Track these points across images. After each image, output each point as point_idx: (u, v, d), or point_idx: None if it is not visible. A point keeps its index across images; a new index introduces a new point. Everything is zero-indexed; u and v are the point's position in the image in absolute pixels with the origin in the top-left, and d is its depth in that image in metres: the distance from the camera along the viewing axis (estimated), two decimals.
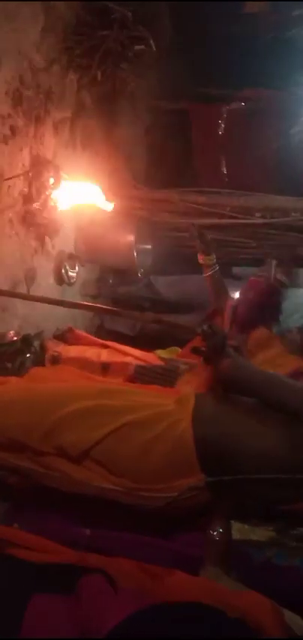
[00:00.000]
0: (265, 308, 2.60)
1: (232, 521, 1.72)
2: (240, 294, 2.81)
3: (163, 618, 1.29)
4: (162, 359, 2.62)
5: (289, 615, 1.45)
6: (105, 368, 2.51)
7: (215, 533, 1.67)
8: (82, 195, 3.00)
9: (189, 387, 1.99)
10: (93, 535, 1.78)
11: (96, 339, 2.96)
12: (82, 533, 1.77)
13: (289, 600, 1.51)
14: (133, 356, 2.66)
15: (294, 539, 1.76)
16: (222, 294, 2.70)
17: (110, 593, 1.39)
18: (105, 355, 2.68)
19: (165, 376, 2.36)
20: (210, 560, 1.62)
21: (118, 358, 2.63)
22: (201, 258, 2.66)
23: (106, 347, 2.78)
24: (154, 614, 1.30)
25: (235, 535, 1.73)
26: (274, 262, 2.86)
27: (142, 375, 2.40)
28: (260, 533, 1.76)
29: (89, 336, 3.01)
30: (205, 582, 1.72)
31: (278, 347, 2.36)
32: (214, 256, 2.66)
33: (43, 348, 2.83)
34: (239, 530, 1.74)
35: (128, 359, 2.62)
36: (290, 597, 1.57)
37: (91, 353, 2.68)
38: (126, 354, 2.68)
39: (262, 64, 4.09)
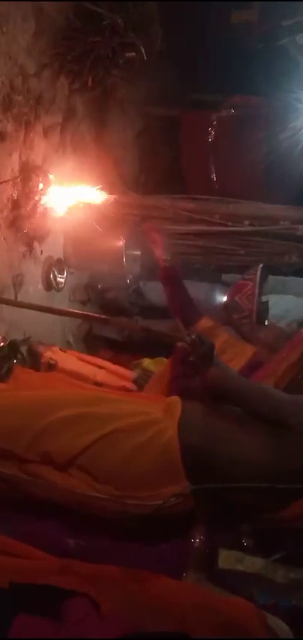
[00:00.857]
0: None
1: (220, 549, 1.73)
2: (227, 297, 2.83)
3: None
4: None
5: (271, 618, 1.50)
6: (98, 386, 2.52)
7: (197, 541, 1.68)
8: (71, 200, 3.01)
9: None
10: (79, 544, 1.79)
11: (93, 358, 2.95)
12: (68, 543, 1.78)
13: None
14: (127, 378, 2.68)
15: (282, 575, 1.77)
16: None
17: (95, 617, 1.40)
18: (100, 376, 2.70)
19: None
20: (192, 567, 1.63)
21: (114, 382, 2.65)
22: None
23: (101, 367, 2.79)
24: None
25: (222, 564, 1.74)
26: (260, 267, 2.89)
27: None
28: (247, 564, 1.76)
29: (85, 356, 3.01)
30: (192, 587, 1.73)
31: (224, 335, 2.37)
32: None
33: (31, 354, 2.82)
34: (226, 559, 1.75)
35: (123, 384, 2.63)
36: None
37: (87, 370, 2.70)
38: (121, 377, 2.70)
39: (252, 72, 4.12)
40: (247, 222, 3.61)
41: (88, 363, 2.83)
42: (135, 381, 2.45)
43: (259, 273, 2.94)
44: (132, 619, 1.44)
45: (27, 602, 1.44)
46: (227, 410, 1.76)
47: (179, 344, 1.86)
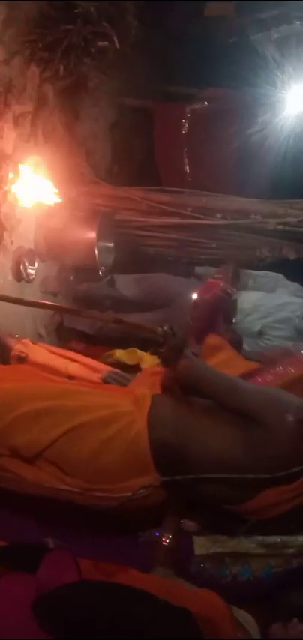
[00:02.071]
0: (218, 313, 2.64)
1: (195, 537, 1.75)
2: (197, 295, 2.84)
3: (108, 593, 1.32)
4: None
5: (238, 611, 1.56)
6: (70, 379, 2.48)
7: (164, 536, 1.69)
8: (42, 190, 2.96)
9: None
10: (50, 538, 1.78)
11: (65, 351, 2.91)
12: (40, 537, 1.78)
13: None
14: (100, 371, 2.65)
15: (256, 546, 1.80)
16: None
17: (70, 563, 1.41)
18: (72, 368, 2.66)
19: None
20: (160, 562, 1.65)
21: (86, 375, 2.62)
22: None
23: (74, 360, 2.75)
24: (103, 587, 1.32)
25: (198, 550, 1.76)
26: (231, 266, 2.91)
27: None
28: (222, 544, 1.79)
29: (56, 349, 2.96)
30: (160, 580, 1.74)
31: (229, 350, 2.40)
32: None
33: (0, 347, 2.78)
34: (201, 545, 1.77)
35: (95, 376, 2.60)
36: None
37: (58, 363, 2.65)
38: (94, 370, 2.67)
39: (226, 66, 4.13)
40: (219, 216, 3.62)
41: (60, 355, 2.79)
42: (104, 381, 2.42)
43: (230, 273, 2.97)
44: None
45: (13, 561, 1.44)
46: (197, 402, 1.77)
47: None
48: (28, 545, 1.59)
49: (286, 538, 1.80)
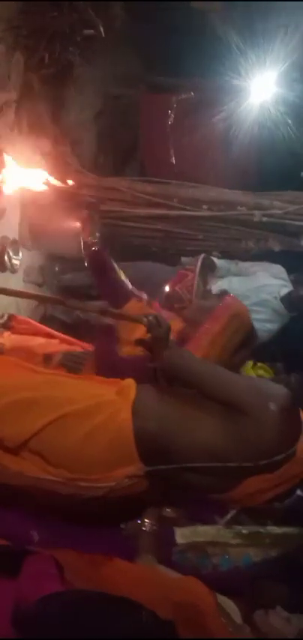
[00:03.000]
0: None
1: (176, 527, 1.77)
2: (169, 287, 2.85)
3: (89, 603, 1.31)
4: None
5: (220, 597, 1.58)
6: (48, 359, 2.45)
7: (146, 524, 1.70)
8: (27, 179, 2.93)
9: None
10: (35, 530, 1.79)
11: (42, 326, 2.88)
12: (25, 529, 1.78)
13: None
14: (81, 347, 2.62)
15: (235, 536, 1.82)
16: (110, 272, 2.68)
17: (51, 570, 1.41)
18: (50, 346, 2.63)
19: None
20: (143, 549, 1.66)
21: (64, 349, 2.58)
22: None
23: (52, 337, 2.72)
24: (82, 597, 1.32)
25: (179, 539, 1.77)
26: (201, 257, 2.94)
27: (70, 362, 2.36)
28: (202, 534, 1.80)
29: (34, 322, 2.93)
30: (144, 569, 1.75)
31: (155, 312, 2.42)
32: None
33: None
34: (183, 535, 1.79)
35: (74, 349, 2.57)
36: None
37: (35, 343, 2.62)
38: (73, 344, 2.64)
39: (212, 56, 4.12)
40: (205, 207, 3.63)
41: (39, 332, 2.75)
42: (62, 364, 2.39)
43: (199, 264, 2.99)
44: None
45: None
46: (181, 392, 1.77)
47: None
48: (9, 547, 1.57)
49: (269, 528, 1.82)
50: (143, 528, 1.75)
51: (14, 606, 1.29)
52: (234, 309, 2.26)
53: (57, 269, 3.59)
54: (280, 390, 1.72)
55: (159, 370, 1.85)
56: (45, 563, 1.46)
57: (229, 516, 1.92)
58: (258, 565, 1.86)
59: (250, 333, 2.27)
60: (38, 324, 2.85)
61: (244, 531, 1.90)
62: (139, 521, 1.76)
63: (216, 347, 2.12)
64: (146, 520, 1.76)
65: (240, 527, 1.88)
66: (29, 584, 1.38)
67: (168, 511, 1.83)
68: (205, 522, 1.88)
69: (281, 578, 1.85)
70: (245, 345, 2.24)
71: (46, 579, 1.38)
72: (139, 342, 1.94)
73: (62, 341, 2.65)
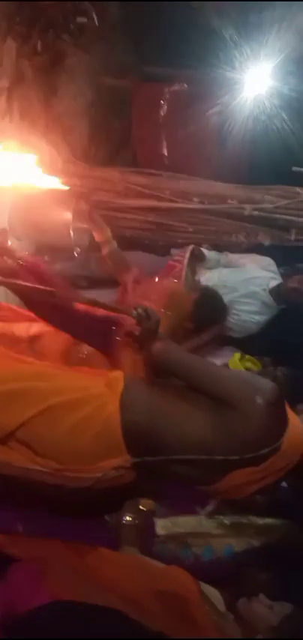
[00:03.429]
0: None
1: (156, 519, 1.79)
2: (158, 278, 2.86)
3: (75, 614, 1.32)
4: None
5: (205, 586, 1.63)
6: (33, 341, 2.44)
7: (126, 518, 1.73)
8: (18, 168, 2.91)
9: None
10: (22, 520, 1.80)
11: (24, 311, 2.85)
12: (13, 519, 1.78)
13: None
14: None
15: (217, 526, 1.85)
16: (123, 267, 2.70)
17: (37, 580, 1.42)
18: (35, 328, 2.60)
19: None
20: (126, 542, 1.68)
21: (49, 329, 2.55)
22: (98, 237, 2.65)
23: (34, 320, 2.69)
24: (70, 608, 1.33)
25: (160, 530, 1.79)
26: (189, 249, 2.95)
27: None
28: (183, 524, 1.83)
29: (15, 308, 2.89)
30: (130, 558, 1.78)
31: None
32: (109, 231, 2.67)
33: None
34: (163, 526, 1.81)
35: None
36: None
37: (18, 328, 2.59)
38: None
39: (206, 47, 4.10)
40: (196, 200, 3.63)
41: (22, 317, 2.73)
42: None
43: (188, 255, 3.00)
44: (74, 592, 1.47)
45: None
46: (169, 385, 1.79)
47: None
48: None
49: (251, 519, 1.85)
50: (124, 522, 1.78)
51: (2, 617, 1.30)
52: (169, 289, 2.27)
53: (46, 259, 3.57)
54: (267, 384, 1.73)
55: (148, 362, 1.87)
56: (30, 571, 1.47)
57: (210, 507, 1.95)
58: (240, 555, 1.89)
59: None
60: (20, 310, 2.82)
61: (226, 522, 1.93)
62: (120, 515, 1.78)
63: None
64: (126, 514, 1.79)
65: (222, 517, 1.90)
66: (17, 595, 1.39)
67: (146, 503, 1.85)
68: (186, 513, 1.91)
69: (264, 567, 1.89)
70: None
71: (34, 589, 1.39)
72: (128, 334, 1.95)
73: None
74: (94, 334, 2.16)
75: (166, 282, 2.33)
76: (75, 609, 1.32)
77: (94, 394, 1.72)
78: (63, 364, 2.24)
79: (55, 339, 2.45)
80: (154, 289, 2.28)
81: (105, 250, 2.72)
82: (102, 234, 2.71)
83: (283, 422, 1.66)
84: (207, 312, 2.33)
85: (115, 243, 2.71)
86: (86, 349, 2.31)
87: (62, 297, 2.18)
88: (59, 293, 2.29)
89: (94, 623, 1.29)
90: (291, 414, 1.69)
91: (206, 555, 1.86)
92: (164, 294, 2.26)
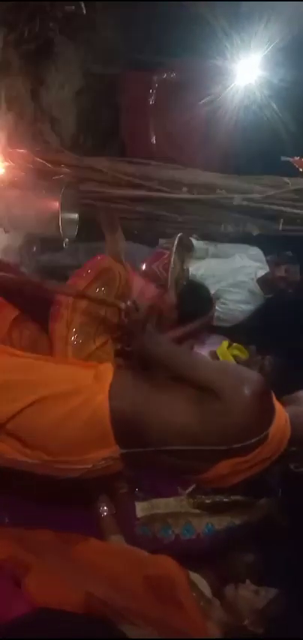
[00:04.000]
0: None
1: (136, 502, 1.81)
2: (145, 265, 2.87)
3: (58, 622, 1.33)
4: None
5: (192, 574, 1.66)
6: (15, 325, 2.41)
7: (102, 509, 1.76)
8: (4, 157, 2.90)
9: None
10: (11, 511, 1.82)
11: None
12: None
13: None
14: None
15: (196, 506, 1.88)
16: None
17: (13, 586, 1.42)
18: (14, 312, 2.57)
19: None
20: (109, 532, 1.71)
21: None
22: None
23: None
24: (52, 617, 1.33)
25: (140, 513, 1.82)
26: (177, 236, 2.96)
27: None
28: (163, 507, 1.86)
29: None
30: (118, 547, 1.80)
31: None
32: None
33: None
34: (143, 508, 1.83)
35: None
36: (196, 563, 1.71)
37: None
38: None
39: (195, 36, 4.08)
40: (185, 189, 3.62)
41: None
42: None
43: (176, 242, 3.01)
44: (63, 582, 1.49)
45: None
46: (157, 376, 1.80)
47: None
48: None
49: (233, 498, 1.88)
50: (102, 515, 1.81)
51: None
52: (102, 264, 2.24)
53: (35, 249, 3.57)
54: (253, 375, 1.75)
55: (136, 354, 1.88)
56: (6, 586, 1.47)
57: (191, 488, 1.98)
58: (222, 533, 1.93)
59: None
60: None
61: (208, 501, 1.96)
62: (97, 508, 1.82)
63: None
64: (103, 505, 1.82)
65: (203, 496, 1.93)
66: None
67: (123, 487, 1.89)
68: (168, 495, 1.94)
69: (249, 549, 1.93)
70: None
71: (13, 602, 1.39)
72: (117, 326, 1.96)
73: None
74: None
75: (100, 257, 2.26)
76: (55, 619, 1.33)
77: (83, 386, 1.73)
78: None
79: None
80: (87, 267, 2.23)
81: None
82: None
83: (270, 412, 1.69)
84: (192, 303, 2.34)
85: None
86: (29, 335, 2.25)
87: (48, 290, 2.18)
88: (48, 285, 2.30)
89: (75, 635, 1.29)
90: (277, 404, 1.72)
91: (186, 534, 1.90)
92: (96, 268, 2.20)
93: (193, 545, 1.91)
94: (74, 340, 2.03)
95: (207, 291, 2.44)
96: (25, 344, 2.08)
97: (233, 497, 2.03)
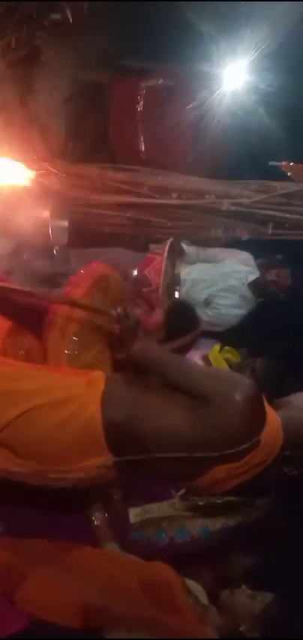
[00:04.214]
0: None
1: (130, 508, 1.81)
2: (137, 270, 2.87)
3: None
4: None
5: (188, 580, 1.67)
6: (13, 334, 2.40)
7: (96, 517, 1.76)
8: None
9: None
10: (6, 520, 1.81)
11: None
12: None
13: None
14: None
15: (187, 509, 1.88)
16: None
17: (6, 603, 1.41)
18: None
19: None
20: (104, 539, 1.71)
21: None
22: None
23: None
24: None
25: (133, 519, 1.82)
26: (169, 242, 2.97)
27: None
28: (156, 511, 1.86)
29: None
30: (115, 554, 1.80)
31: None
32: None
33: None
34: (136, 514, 1.83)
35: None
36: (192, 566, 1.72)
37: None
38: None
39: (182, 42, 4.10)
40: (174, 195, 3.64)
41: None
42: None
43: (167, 247, 3.02)
44: (59, 590, 1.48)
45: None
46: (150, 383, 1.80)
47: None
48: None
49: (226, 499, 1.88)
50: (95, 523, 1.81)
51: None
52: (98, 272, 2.22)
53: (25, 257, 3.56)
54: (245, 380, 1.76)
55: (128, 361, 1.88)
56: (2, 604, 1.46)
57: (183, 490, 1.98)
58: (216, 534, 1.93)
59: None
60: None
61: (201, 502, 1.96)
62: (91, 517, 1.81)
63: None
64: (96, 514, 1.82)
65: (196, 498, 1.93)
66: None
67: (117, 493, 1.89)
68: (162, 499, 1.94)
69: (245, 552, 1.93)
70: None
71: (9, 619, 1.38)
72: (108, 334, 1.96)
73: None
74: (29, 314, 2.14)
75: (95, 265, 2.24)
76: (48, 636, 1.32)
77: (76, 394, 1.73)
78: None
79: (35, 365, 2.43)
80: (82, 274, 2.22)
81: None
82: None
83: (262, 417, 1.69)
84: (178, 323, 2.33)
85: None
86: (25, 347, 2.26)
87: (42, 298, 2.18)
88: (39, 293, 2.29)
89: None
90: (269, 410, 1.72)
91: (180, 536, 1.90)
92: (92, 276, 2.19)
93: (187, 548, 1.92)
94: (69, 349, 2.03)
95: (192, 310, 2.45)
96: (20, 353, 2.07)
97: (227, 498, 2.03)
